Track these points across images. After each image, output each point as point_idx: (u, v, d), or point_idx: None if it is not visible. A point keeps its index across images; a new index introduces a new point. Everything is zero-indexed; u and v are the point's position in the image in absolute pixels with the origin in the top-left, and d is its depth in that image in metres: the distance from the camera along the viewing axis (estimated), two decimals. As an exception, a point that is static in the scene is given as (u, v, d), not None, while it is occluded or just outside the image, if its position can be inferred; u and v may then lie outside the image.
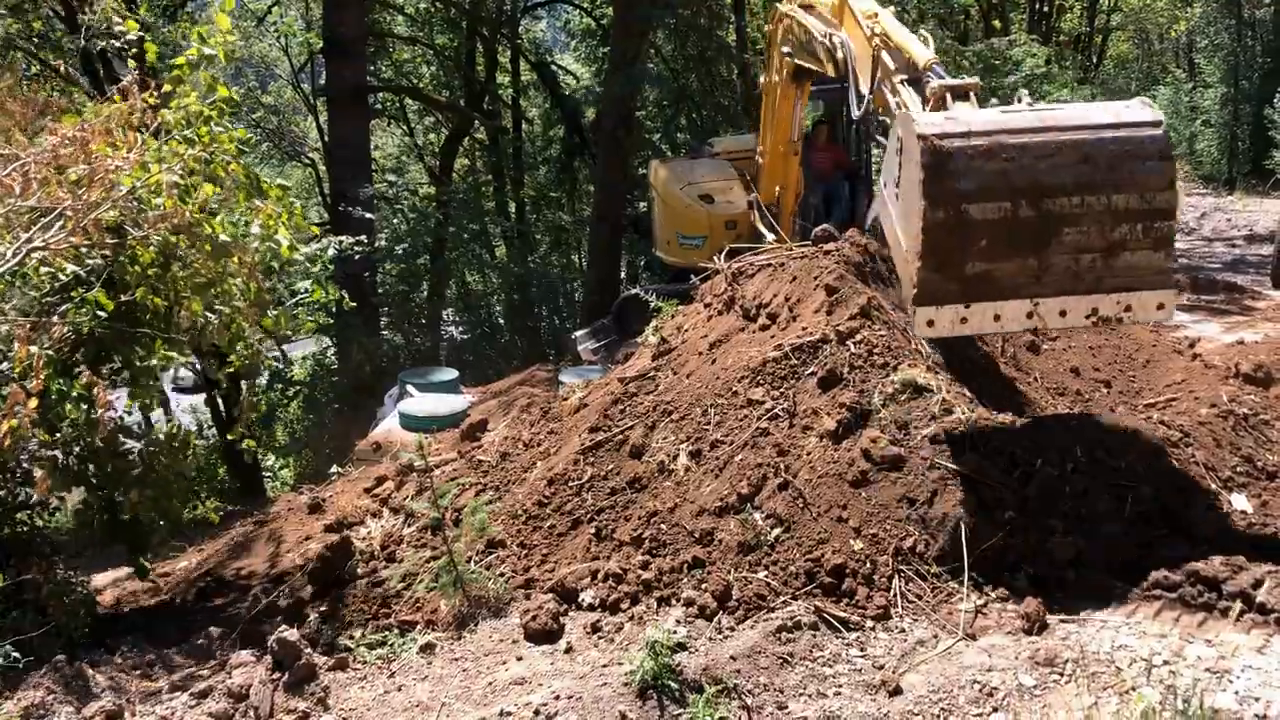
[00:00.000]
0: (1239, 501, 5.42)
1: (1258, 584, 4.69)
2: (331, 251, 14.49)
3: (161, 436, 6.88)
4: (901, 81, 6.61)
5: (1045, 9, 32.84)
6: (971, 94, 6.03)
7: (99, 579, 8.57)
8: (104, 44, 8.13)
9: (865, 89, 7.37)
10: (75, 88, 8.93)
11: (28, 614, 5.89)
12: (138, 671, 5.49)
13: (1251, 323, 11.37)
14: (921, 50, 6.63)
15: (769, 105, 11.24)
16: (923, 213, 4.96)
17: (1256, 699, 3.96)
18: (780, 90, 10.47)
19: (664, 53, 24.37)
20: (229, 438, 7.38)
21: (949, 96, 5.99)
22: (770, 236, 11.08)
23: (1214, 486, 5.49)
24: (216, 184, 6.42)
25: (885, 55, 6.90)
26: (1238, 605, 4.58)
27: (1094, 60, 37.60)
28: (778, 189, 11.34)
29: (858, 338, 6.27)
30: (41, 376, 5.13)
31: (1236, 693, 4.01)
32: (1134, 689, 4.00)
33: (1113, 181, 5.03)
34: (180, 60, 6.90)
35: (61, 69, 11.66)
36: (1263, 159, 30.16)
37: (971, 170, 4.97)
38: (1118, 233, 5.07)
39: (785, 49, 9.85)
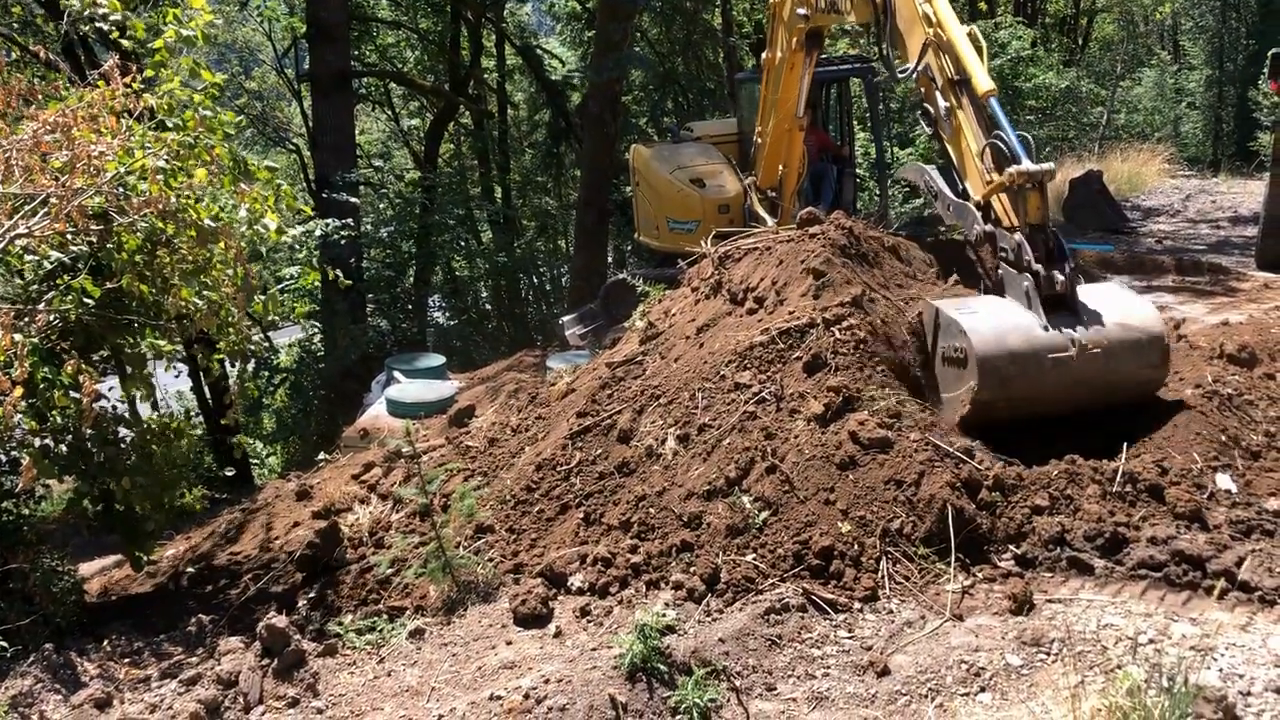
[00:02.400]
0: (1224, 481, 5.46)
1: (1241, 562, 4.74)
2: (318, 234, 14.45)
3: (154, 424, 6.86)
4: (955, 84, 6.94)
5: (1031, -9, 32.80)
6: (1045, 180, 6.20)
7: (86, 567, 8.56)
8: (86, 29, 8.05)
9: (910, 59, 7.52)
10: (57, 74, 8.86)
11: (15, 603, 5.89)
12: (126, 659, 5.49)
13: (1236, 304, 11.41)
14: (984, 78, 6.78)
15: (770, 83, 11.16)
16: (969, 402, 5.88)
17: (1240, 676, 4.00)
18: (788, 62, 10.38)
19: (650, 36, 24.29)
20: (222, 423, 7.34)
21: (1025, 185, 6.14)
22: (771, 221, 11.03)
23: (1200, 465, 5.53)
24: (203, 168, 6.38)
25: (940, 58, 7.10)
26: (1221, 583, 4.62)
27: (1080, 42, 37.58)
28: (780, 169, 11.26)
29: (844, 323, 6.28)
30: (26, 365, 5.09)
31: (1221, 670, 4.05)
32: (1120, 667, 4.04)
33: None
34: (159, 44, 6.85)
35: (42, 55, 11.56)
36: (1247, 141, 30.25)
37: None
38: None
39: (801, 10, 9.76)
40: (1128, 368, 5.99)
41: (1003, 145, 6.46)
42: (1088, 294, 6.15)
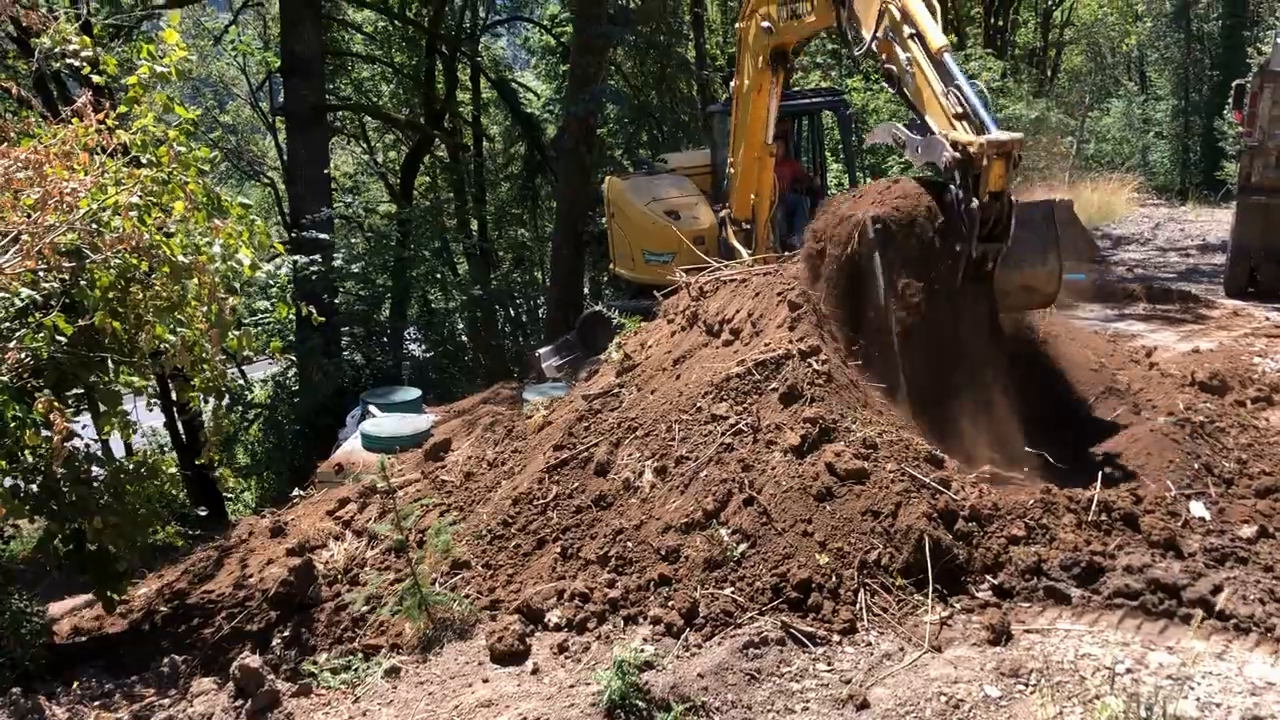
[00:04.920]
0: (1198, 509, 5.50)
1: (1217, 590, 4.76)
2: (285, 271, 14.41)
3: (130, 464, 6.79)
4: (911, 37, 7.06)
5: (1000, 23, 33.26)
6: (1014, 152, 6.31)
7: (56, 608, 8.42)
8: (57, 64, 8.03)
9: (867, 32, 7.63)
10: (29, 110, 8.83)
11: (-19, 646, 5.79)
12: (96, 702, 5.40)
13: (1206, 331, 11.52)
14: (937, 34, 6.94)
15: (739, 112, 11.23)
16: None
17: (1217, 705, 4.02)
18: (755, 84, 10.45)
19: (624, 70, 24.45)
20: (198, 462, 7.27)
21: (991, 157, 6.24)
22: (746, 253, 11.06)
23: (1174, 493, 5.57)
24: (180, 202, 6.36)
25: (897, 17, 7.24)
26: (1198, 612, 4.64)
27: (1048, 74, 38.12)
28: (752, 198, 11.31)
29: (820, 355, 6.30)
30: (-4, 403, 5.05)
31: (1198, 699, 4.06)
32: (1098, 698, 4.05)
33: None
34: (133, 80, 6.84)
35: (14, 91, 11.52)
36: (1214, 170, 30.72)
37: None
38: None
39: (764, 24, 9.85)
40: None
41: (963, 104, 6.64)
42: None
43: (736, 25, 11.08)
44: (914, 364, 6.51)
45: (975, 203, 6.30)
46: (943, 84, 6.83)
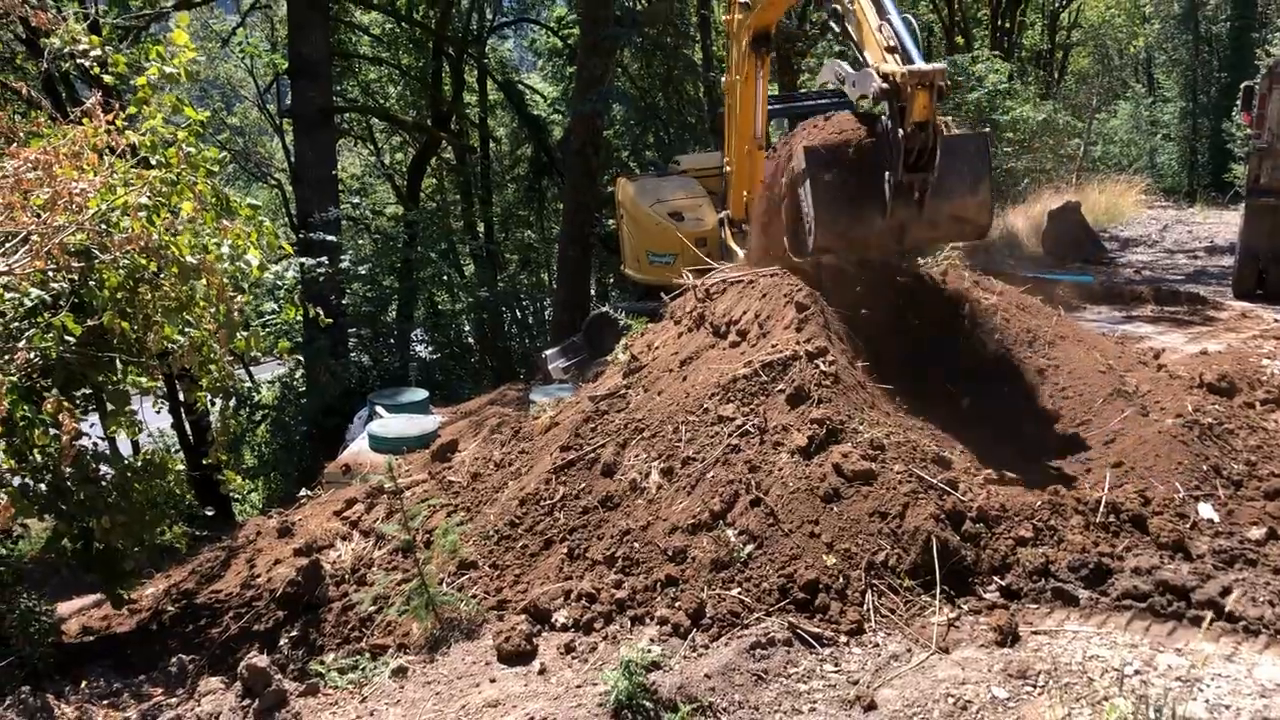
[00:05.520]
0: (1206, 510, 5.48)
1: (1226, 592, 4.75)
2: (291, 273, 14.42)
3: (138, 462, 6.81)
4: None
5: (1007, 25, 33.22)
6: (937, 82, 6.41)
7: (65, 607, 8.45)
8: (66, 65, 8.06)
9: None
10: (38, 111, 8.85)
11: (-10, 645, 5.81)
12: (105, 701, 5.42)
13: (1214, 333, 11.50)
14: None
15: (731, 107, 11.21)
16: None
17: (1227, 707, 4.00)
18: (742, 74, 10.46)
19: (631, 72, 24.45)
20: (205, 463, 7.28)
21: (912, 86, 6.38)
22: (741, 254, 11.05)
23: (1182, 495, 5.56)
24: (188, 202, 6.38)
25: None
26: (1207, 614, 4.63)
27: (1056, 76, 38.08)
28: (745, 195, 11.28)
29: (828, 356, 6.30)
30: (5, 402, 5.06)
31: (1207, 701, 4.05)
32: (1106, 699, 4.03)
33: None
34: (141, 80, 6.85)
35: (23, 91, 11.55)
36: (1222, 172, 30.66)
37: None
38: None
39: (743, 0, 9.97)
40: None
41: (895, 37, 6.84)
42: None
43: (723, 19, 11.09)
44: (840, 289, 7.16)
45: (900, 132, 6.44)
46: (877, 18, 7.00)
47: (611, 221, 16.86)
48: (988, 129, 7.04)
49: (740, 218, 11.61)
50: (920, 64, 6.52)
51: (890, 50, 6.78)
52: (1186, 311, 13.15)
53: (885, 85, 6.52)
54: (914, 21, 6.97)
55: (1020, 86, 26.22)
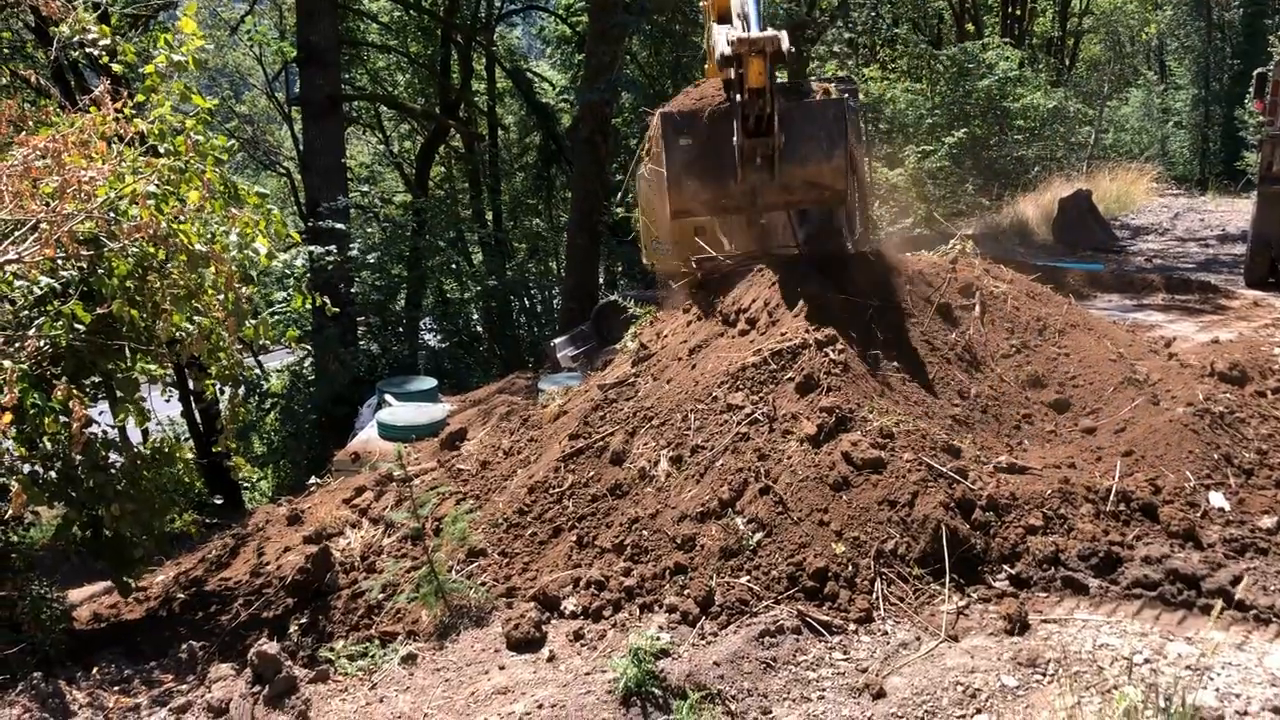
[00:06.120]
0: (1217, 499, 5.46)
1: (1236, 581, 4.74)
2: (300, 262, 14.43)
3: (148, 450, 6.82)
4: None
5: (1018, 12, 33.03)
6: (769, 49, 6.56)
7: (76, 594, 8.49)
8: (75, 54, 8.06)
9: None
10: (47, 100, 8.85)
11: (2, 631, 5.83)
12: (116, 687, 5.44)
13: (1226, 321, 11.46)
14: None
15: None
16: None
17: (1237, 696, 4.00)
18: (710, 56, 10.45)
19: (639, 59, 24.39)
20: (214, 450, 7.31)
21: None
22: (727, 244, 10.93)
23: (1193, 484, 5.54)
24: (196, 191, 6.38)
25: None
26: (1217, 603, 4.61)
27: (1067, 63, 37.86)
28: None
29: (838, 344, 6.28)
30: (15, 390, 5.07)
31: (1217, 690, 4.04)
32: (1116, 688, 4.02)
33: None
34: (150, 68, 6.85)
35: (32, 80, 11.56)
36: (1234, 160, 30.52)
37: None
38: None
39: None
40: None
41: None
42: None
43: (701, 4, 11.02)
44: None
45: (739, 98, 6.63)
46: None
47: (620, 210, 16.81)
48: (847, 95, 7.06)
49: None
50: (755, 31, 6.68)
51: (740, 16, 6.99)
52: (1198, 300, 13.11)
53: (727, 52, 6.63)
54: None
55: (1031, 74, 26.12)
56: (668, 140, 7.05)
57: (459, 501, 6.89)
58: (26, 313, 6.12)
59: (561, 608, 5.32)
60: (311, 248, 15.34)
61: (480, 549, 6.10)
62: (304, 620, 6.12)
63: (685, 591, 5.11)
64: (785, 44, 6.48)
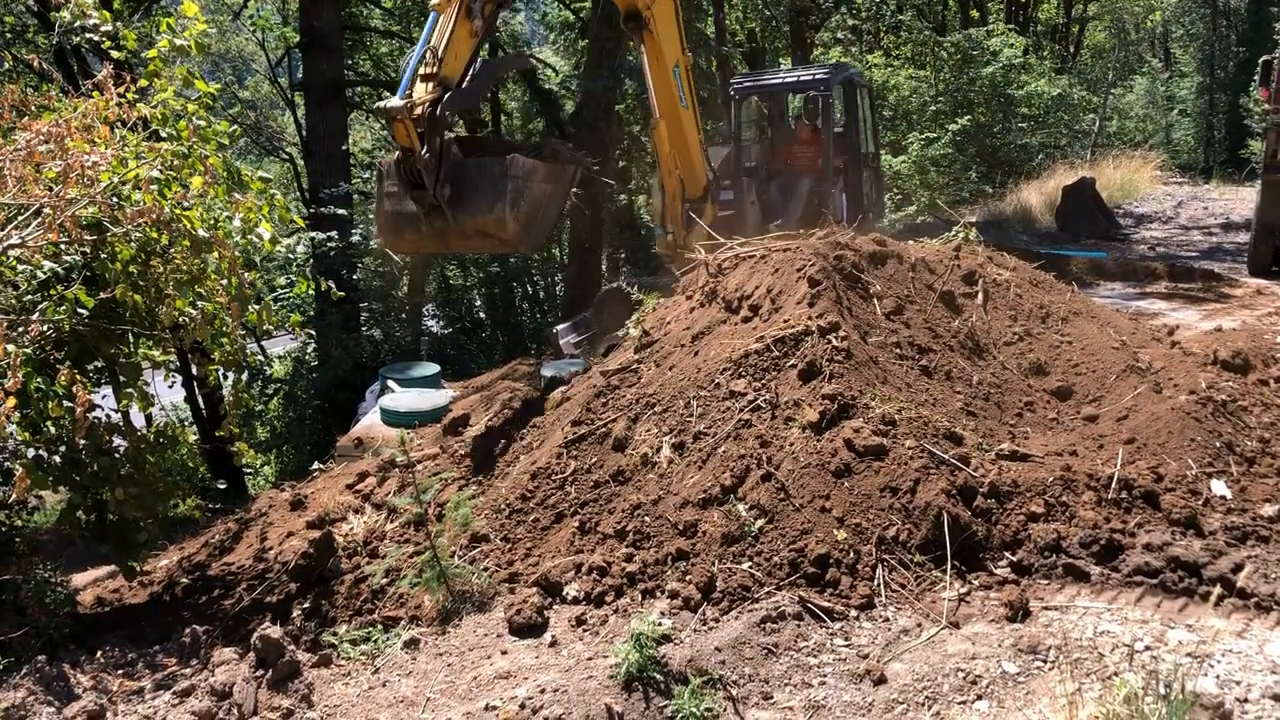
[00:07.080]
0: (1219, 487, 5.47)
1: (1237, 568, 4.74)
2: (303, 248, 14.41)
3: (151, 435, 6.83)
4: None
5: (1023, -1, 32.96)
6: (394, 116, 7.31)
7: (80, 578, 8.52)
8: (78, 39, 8.05)
9: None
10: (50, 84, 8.85)
11: (7, 615, 5.85)
12: (120, 671, 5.46)
13: (1229, 310, 11.46)
14: None
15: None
16: None
17: (1237, 683, 4.00)
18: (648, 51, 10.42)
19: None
20: (218, 435, 7.32)
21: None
22: (705, 228, 10.85)
23: (1195, 471, 5.54)
24: (199, 176, 6.38)
25: None
26: (1218, 590, 4.62)
27: (1071, 50, 37.75)
28: (672, 171, 11.29)
29: (840, 331, 6.28)
30: (19, 375, 5.07)
31: (1218, 677, 4.05)
32: (1116, 675, 4.04)
33: None
34: (153, 53, 6.84)
35: (35, 65, 11.54)
36: (1238, 148, 30.45)
37: None
38: None
39: None
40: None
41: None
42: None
43: None
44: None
45: (397, 155, 7.45)
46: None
47: (623, 197, 16.82)
48: (514, 155, 7.33)
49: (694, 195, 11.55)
50: (397, 98, 7.31)
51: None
52: (1201, 288, 13.10)
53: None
54: (434, 49, 7.52)
55: (1035, 61, 26.05)
56: (378, 187, 7.92)
57: (461, 487, 6.91)
58: (30, 297, 6.13)
59: (564, 593, 5.34)
60: (314, 233, 15.32)
61: (483, 534, 6.12)
62: (307, 605, 6.14)
63: (687, 577, 5.12)
64: (423, 110, 7.08)
